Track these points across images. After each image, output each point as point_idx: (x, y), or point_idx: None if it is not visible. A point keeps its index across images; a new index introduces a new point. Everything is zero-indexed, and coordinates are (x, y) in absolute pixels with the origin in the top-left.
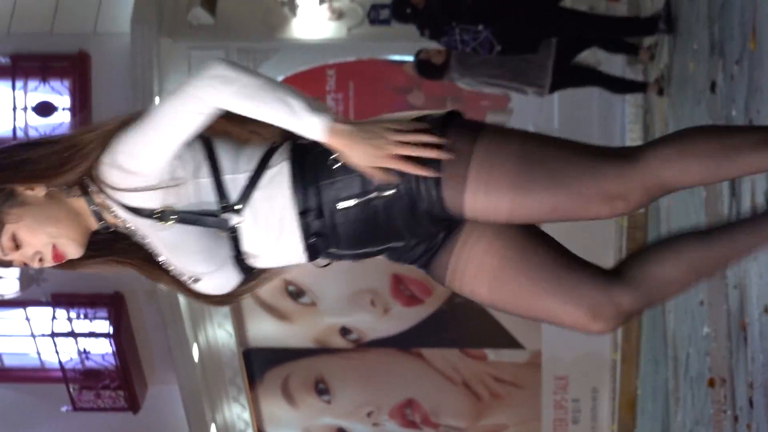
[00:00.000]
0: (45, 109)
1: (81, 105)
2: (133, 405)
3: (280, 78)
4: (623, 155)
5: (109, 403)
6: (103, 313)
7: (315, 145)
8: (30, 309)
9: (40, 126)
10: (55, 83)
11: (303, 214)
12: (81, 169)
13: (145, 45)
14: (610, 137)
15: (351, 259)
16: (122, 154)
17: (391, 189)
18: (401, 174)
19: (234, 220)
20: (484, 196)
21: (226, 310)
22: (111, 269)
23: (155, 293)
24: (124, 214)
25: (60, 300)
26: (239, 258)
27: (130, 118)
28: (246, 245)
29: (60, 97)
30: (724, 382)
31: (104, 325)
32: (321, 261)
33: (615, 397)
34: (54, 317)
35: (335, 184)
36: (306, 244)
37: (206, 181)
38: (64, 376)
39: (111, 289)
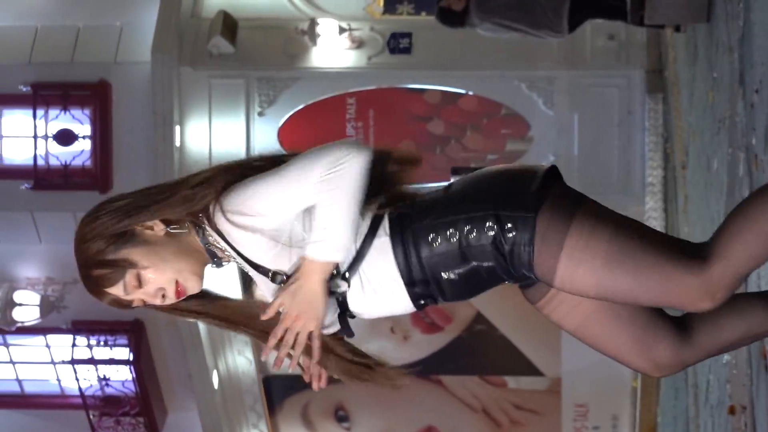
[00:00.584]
0: (66, 137)
1: (102, 133)
2: None
3: (300, 107)
4: (700, 255)
5: (129, 430)
6: (123, 340)
7: (412, 218)
8: (50, 336)
9: (60, 154)
10: (76, 112)
11: (409, 284)
12: (201, 205)
13: (166, 74)
14: (631, 166)
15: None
16: (250, 198)
17: (489, 263)
18: (497, 260)
19: (342, 287)
20: (575, 269)
21: (245, 337)
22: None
23: (175, 321)
24: (239, 259)
25: (80, 327)
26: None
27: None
28: (352, 307)
29: (81, 125)
30: (744, 409)
31: (124, 352)
32: None
33: (635, 425)
34: (74, 344)
35: (436, 257)
36: (415, 304)
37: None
38: (84, 402)
39: (131, 316)
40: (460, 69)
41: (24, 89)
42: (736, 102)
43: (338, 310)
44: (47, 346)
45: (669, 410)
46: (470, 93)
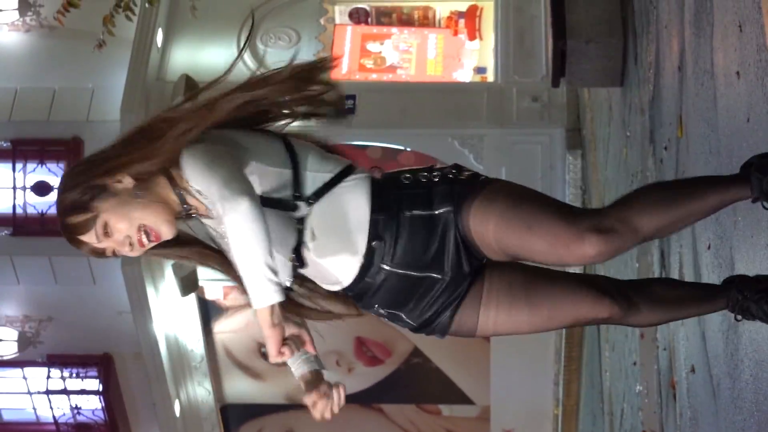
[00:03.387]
0: (42, 188)
1: None
2: None
3: None
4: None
5: None
6: (94, 372)
7: (394, 182)
8: (27, 369)
9: (37, 204)
10: (52, 165)
11: (375, 212)
12: (160, 161)
13: None
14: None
15: (393, 282)
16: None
17: (447, 207)
18: (453, 203)
19: (304, 210)
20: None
21: (204, 369)
22: (193, 259)
23: (141, 355)
24: (203, 199)
25: (54, 360)
26: (299, 252)
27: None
28: (308, 236)
29: (56, 177)
30: None
31: (94, 384)
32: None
33: None
34: (49, 376)
35: (408, 196)
36: (368, 247)
37: (288, 173)
38: (58, 430)
39: (101, 350)
40: (399, 127)
41: (4, 144)
42: (647, 158)
43: (296, 243)
44: (24, 378)
45: None
46: (408, 149)
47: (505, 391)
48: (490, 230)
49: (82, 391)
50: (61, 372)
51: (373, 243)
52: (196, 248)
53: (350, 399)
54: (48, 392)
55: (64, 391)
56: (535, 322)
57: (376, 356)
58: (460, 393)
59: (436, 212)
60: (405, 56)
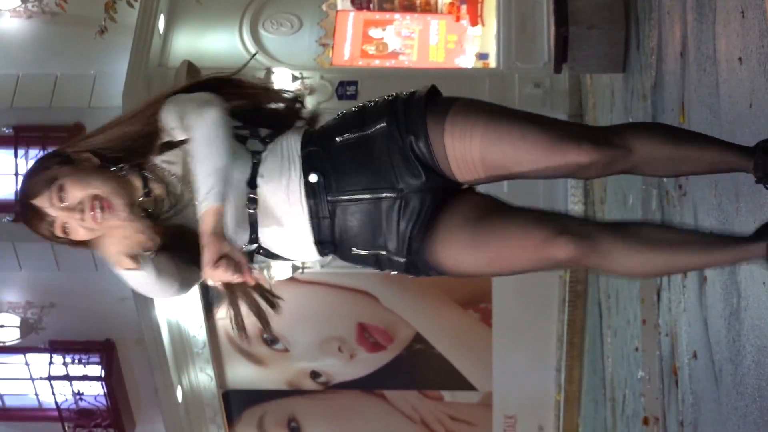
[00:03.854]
0: None
1: None
2: None
3: None
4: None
5: None
6: (96, 358)
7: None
8: (29, 355)
9: None
10: None
11: (305, 146)
12: (134, 145)
13: None
14: (554, 201)
15: (354, 215)
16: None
17: (381, 124)
18: (390, 115)
19: (258, 145)
20: (459, 133)
21: (207, 355)
22: (149, 235)
23: (143, 341)
24: (169, 156)
25: (56, 346)
26: (252, 186)
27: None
28: (263, 169)
29: None
30: (657, 420)
31: (97, 370)
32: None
33: None
34: (51, 362)
35: (338, 125)
36: (305, 182)
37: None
38: (60, 415)
39: (103, 336)
40: None
41: (6, 131)
42: None
43: (247, 176)
44: (26, 363)
45: (589, 421)
46: None
47: (508, 377)
48: (475, 144)
49: (85, 377)
50: (64, 358)
51: (309, 176)
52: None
53: (352, 385)
54: (50, 378)
55: (67, 377)
56: (479, 263)
57: (378, 342)
58: (462, 379)
59: (369, 131)
60: (407, 42)
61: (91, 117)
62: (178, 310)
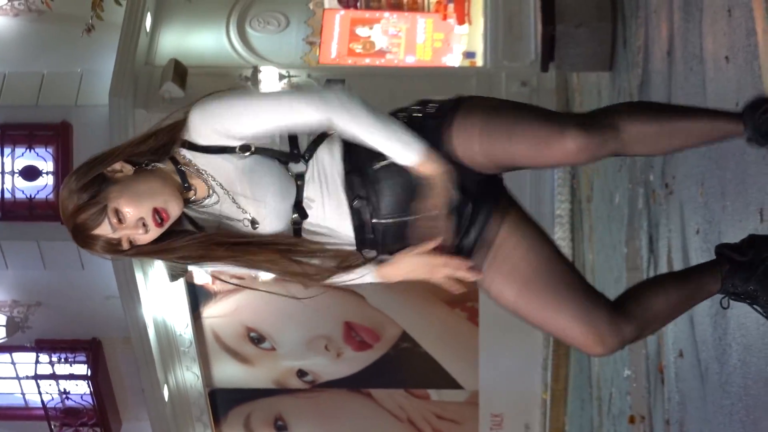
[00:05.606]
0: (31, 173)
1: (63, 170)
2: None
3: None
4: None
5: None
6: (82, 357)
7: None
8: (15, 354)
9: (26, 188)
10: (40, 150)
11: (348, 172)
12: (158, 142)
13: (122, 116)
14: (541, 199)
15: (390, 229)
16: (227, 119)
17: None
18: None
19: (301, 167)
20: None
21: (193, 354)
22: (197, 251)
23: (129, 340)
24: (205, 160)
25: (43, 345)
26: (300, 207)
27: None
28: (307, 192)
29: (44, 162)
30: (643, 419)
31: (83, 369)
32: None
33: None
34: (37, 361)
35: (369, 152)
36: (350, 209)
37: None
38: (46, 414)
39: (89, 335)
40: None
41: None
42: None
43: (295, 199)
44: (12, 362)
45: (576, 420)
46: None
47: (494, 376)
48: (475, 144)
49: (71, 376)
50: (50, 357)
51: (354, 203)
52: (200, 238)
53: (339, 384)
54: (36, 377)
55: (53, 376)
56: (518, 309)
57: (365, 341)
58: (448, 378)
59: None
60: (394, 41)
61: (78, 115)
62: (164, 309)
